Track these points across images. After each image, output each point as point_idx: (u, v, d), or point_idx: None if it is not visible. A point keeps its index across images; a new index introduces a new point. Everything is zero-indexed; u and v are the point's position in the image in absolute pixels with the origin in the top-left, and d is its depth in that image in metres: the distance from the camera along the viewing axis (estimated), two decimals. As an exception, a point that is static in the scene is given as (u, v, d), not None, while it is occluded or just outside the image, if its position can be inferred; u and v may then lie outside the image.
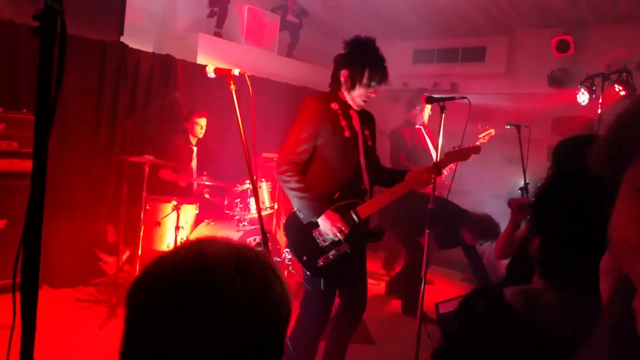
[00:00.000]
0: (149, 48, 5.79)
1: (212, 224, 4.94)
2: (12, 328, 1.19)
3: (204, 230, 4.87)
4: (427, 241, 3.47)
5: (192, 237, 4.76)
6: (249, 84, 2.43)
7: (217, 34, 6.72)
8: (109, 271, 4.99)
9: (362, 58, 2.95)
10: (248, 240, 4.63)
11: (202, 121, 5.29)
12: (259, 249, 2.42)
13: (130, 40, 5.40)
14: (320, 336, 3.01)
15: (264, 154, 6.15)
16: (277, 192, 5.35)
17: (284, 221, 3.01)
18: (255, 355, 0.85)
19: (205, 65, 2.66)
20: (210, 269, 0.85)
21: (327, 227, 2.80)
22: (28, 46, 4.57)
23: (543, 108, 6.37)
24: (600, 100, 5.30)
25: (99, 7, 5.02)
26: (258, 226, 2.59)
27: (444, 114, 3.35)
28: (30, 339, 1.16)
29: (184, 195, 5.11)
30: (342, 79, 2.95)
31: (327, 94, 3.01)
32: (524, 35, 7.19)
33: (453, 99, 3.50)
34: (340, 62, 3.00)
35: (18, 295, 1.16)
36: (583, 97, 5.52)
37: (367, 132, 3.05)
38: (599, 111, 5.27)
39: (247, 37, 6.92)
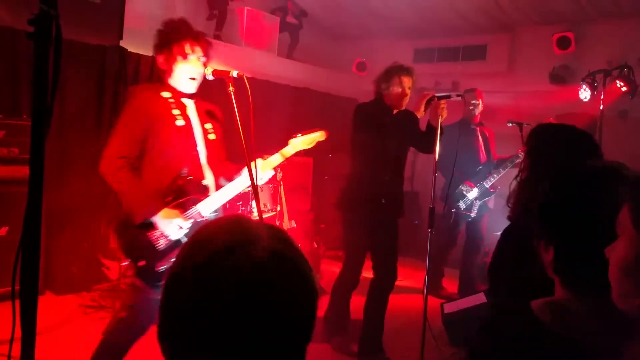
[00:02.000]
0: (148, 52, 5.77)
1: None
2: (12, 336, 1.17)
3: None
4: (429, 240, 3.46)
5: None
6: (248, 85, 2.41)
7: (217, 37, 6.71)
8: (112, 277, 4.98)
9: (171, 33, 2.71)
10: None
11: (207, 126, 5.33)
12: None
13: (129, 44, 5.39)
14: (133, 342, 2.71)
15: (266, 157, 6.13)
16: (279, 194, 5.33)
17: (114, 223, 2.69)
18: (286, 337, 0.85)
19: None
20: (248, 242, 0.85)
21: (166, 226, 2.56)
22: (28, 52, 4.55)
23: (545, 105, 6.34)
24: (602, 97, 5.28)
25: (98, 12, 5.00)
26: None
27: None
28: (30, 346, 1.15)
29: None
30: (160, 65, 2.74)
31: (157, 84, 2.79)
32: (525, 33, 7.16)
33: (449, 97, 3.52)
34: (154, 51, 2.77)
35: (18, 302, 1.14)
36: (585, 94, 5.49)
37: (207, 124, 2.86)
38: (601, 107, 5.25)
39: (246, 39, 6.91)
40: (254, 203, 4.94)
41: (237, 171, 2.85)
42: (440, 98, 3.55)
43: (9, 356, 1.19)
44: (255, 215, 4.96)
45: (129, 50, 5.35)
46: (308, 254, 5.50)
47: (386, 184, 3.82)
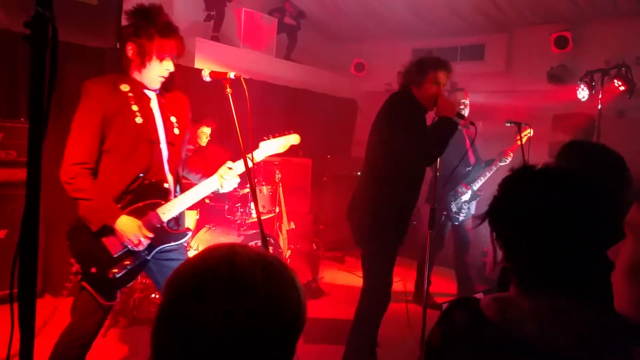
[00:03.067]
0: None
1: (213, 229, 4.92)
2: (10, 339, 1.17)
3: (205, 236, 4.85)
4: (428, 241, 3.45)
5: (194, 243, 4.75)
6: (245, 87, 2.40)
7: (215, 38, 6.71)
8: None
9: (147, 25, 2.48)
10: (249, 244, 4.60)
11: (208, 130, 5.36)
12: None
13: (127, 46, 5.38)
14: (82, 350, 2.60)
15: (265, 158, 6.13)
16: (277, 195, 5.33)
17: (68, 228, 2.54)
18: (269, 353, 0.91)
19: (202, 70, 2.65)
20: (238, 266, 0.94)
21: (126, 234, 2.41)
22: (26, 55, 4.56)
23: (543, 105, 6.35)
24: (600, 96, 5.28)
25: (95, 14, 5.00)
26: (259, 230, 2.51)
27: (474, 134, 3.34)
28: (29, 349, 1.14)
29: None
30: (129, 54, 2.49)
31: (115, 75, 2.56)
32: (523, 33, 7.16)
33: (463, 117, 3.44)
34: (126, 34, 2.51)
35: (16, 305, 1.14)
36: (583, 93, 5.50)
37: (173, 118, 2.65)
38: (599, 107, 5.25)
39: (244, 41, 6.92)
40: (252, 205, 4.95)
41: (206, 169, 2.71)
42: (459, 116, 3.37)
43: (8, 359, 1.19)
44: (254, 216, 4.97)
45: (126, 52, 5.34)
46: (307, 256, 5.47)
47: (417, 193, 3.47)
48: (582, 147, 2.09)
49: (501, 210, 1.22)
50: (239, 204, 4.99)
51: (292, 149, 7.30)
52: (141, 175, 2.49)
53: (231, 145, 5.60)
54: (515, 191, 1.22)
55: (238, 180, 2.74)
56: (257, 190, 5.04)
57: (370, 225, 3.36)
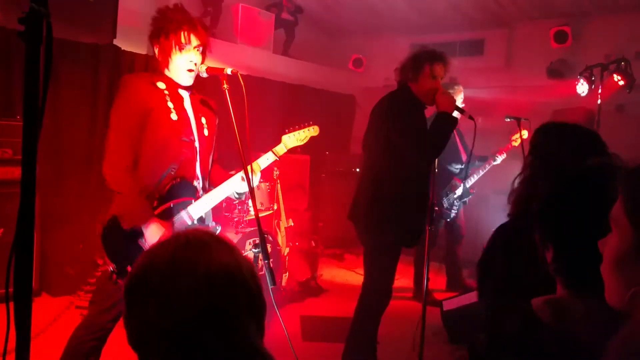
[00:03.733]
0: (142, 50, 5.74)
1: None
2: (6, 338, 1.16)
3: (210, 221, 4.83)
4: (427, 237, 3.43)
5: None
6: (242, 83, 2.37)
7: (212, 34, 6.67)
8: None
9: (164, 23, 2.56)
10: (247, 241, 4.59)
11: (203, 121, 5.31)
12: (257, 250, 2.36)
13: (123, 42, 5.35)
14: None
15: (262, 154, 6.10)
16: (275, 192, 5.31)
17: (101, 226, 2.57)
18: (218, 328, 0.98)
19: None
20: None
21: (152, 239, 2.45)
22: (21, 52, 4.52)
23: (543, 100, 6.33)
24: (599, 91, 5.27)
25: (91, 10, 4.96)
26: (256, 227, 2.49)
27: (475, 131, 3.28)
28: (24, 349, 1.13)
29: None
30: (157, 54, 2.60)
31: (151, 73, 2.65)
32: (522, 27, 7.14)
33: (463, 112, 3.34)
34: (150, 38, 2.60)
35: (11, 304, 1.13)
36: (582, 88, 5.48)
37: (203, 120, 2.72)
38: (599, 101, 5.24)
39: (241, 36, 6.88)
40: (250, 202, 4.92)
41: (227, 175, 2.76)
42: (459, 110, 3.28)
43: (4, 359, 1.18)
44: (252, 213, 4.95)
45: (122, 48, 5.31)
46: (306, 253, 5.45)
47: (425, 191, 3.38)
48: (557, 129, 2.07)
49: (561, 210, 1.19)
50: (237, 201, 4.96)
51: (290, 146, 7.24)
52: (173, 168, 2.55)
53: (227, 141, 5.58)
54: (577, 190, 1.18)
55: (260, 175, 2.84)
56: (255, 187, 5.01)
57: (371, 223, 3.33)
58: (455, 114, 3.25)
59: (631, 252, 0.91)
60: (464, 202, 5.32)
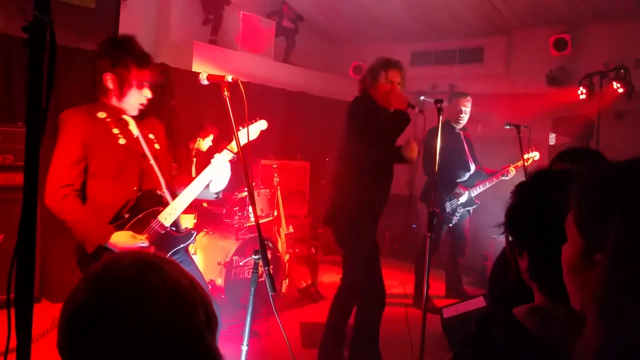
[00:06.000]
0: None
1: (211, 233, 4.90)
2: (7, 345, 1.16)
3: (203, 240, 4.83)
4: (427, 244, 3.43)
5: (192, 247, 4.72)
6: (243, 90, 2.39)
7: (213, 41, 6.70)
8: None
9: (129, 55, 2.54)
10: (247, 248, 4.59)
11: (204, 142, 5.38)
12: (257, 256, 2.36)
13: (125, 49, 5.37)
14: None
15: (263, 161, 6.12)
16: (275, 199, 5.31)
17: (76, 259, 2.57)
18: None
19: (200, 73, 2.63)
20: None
21: (122, 248, 2.44)
22: (22, 59, 4.54)
23: (542, 108, 6.35)
24: (599, 98, 5.28)
25: (93, 18, 4.99)
26: (257, 234, 2.50)
27: (441, 116, 3.31)
28: (26, 355, 1.13)
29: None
30: (108, 84, 2.56)
31: (90, 105, 2.63)
32: (522, 35, 7.17)
33: (413, 107, 3.46)
34: (103, 65, 2.56)
35: (12, 311, 1.13)
36: (582, 96, 5.50)
37: (150, 134, 2.74)
38: (599, 109, 5.25)
39: (242, 44, 6.90)
40: (250, 208, 4.93)
41: (191, 179, 2.74)
42: (410, 106, 3.47)
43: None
44: (252, 220, 4.96)
45: (124, 55, 5.33)
46: (306, 259, 5.45)
47: (386, 192, 3.65)
48: (577, 153, 2.09)
49: (525, 217, 1.20)
50: (237, 208, 4.97)
51: (291, 152, 7.33)
52: (135, 189, 2.56)
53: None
54: (540, 197, 1.20)
55: (229, 166, 2.73)
56: (255, 194, 5.03)
57: (344, 224, 3.55)
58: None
59: (581, 259, 0.93)
60: (468, 211, 5.32)
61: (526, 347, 1.09)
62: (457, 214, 5.18)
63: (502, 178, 5.18)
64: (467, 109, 5.19)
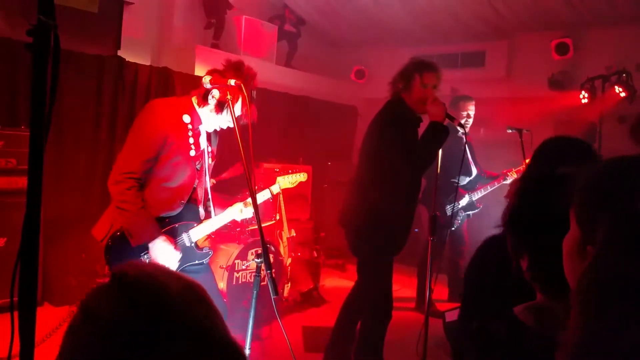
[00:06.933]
0: (146, 61, 5.79)
1: (212, 237, 4.89)
2: (10, 347, 1.16)
3: (205, 244, 4.82)
4: (429, 248, 3.43)
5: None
6: (245, 93, 2.40)
7: (215, 45, 6.71)
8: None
9: (244, 86, 2.57)
10: (250, 252, 4.59)
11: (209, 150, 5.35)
12: (259, 260, 2.36)
13: (127, 54, 5.39)
14: None
15: (265, 165, 6.13)
16: (278, 202, 5.31)
17: (105, 241, 2.60)
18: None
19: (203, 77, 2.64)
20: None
21: (158, 255, 2.53)
22: (26, 63, 4.56)
23: (544, 111, 6.35)
24: (601, 103, 5.29)
25: (96, 22, 5.01)
26: (259, 238, 2.51)
27: (465, 137, 3.31)
28: (29, 358, 1.13)
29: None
30: (212, 94, 2.62)
31: (179, 101, 2.68)
32: (524, 39, 7.17)
33: (453, 119, 3.34)
34: (218, 78, 2.59)
35: (16, 314, 1.13)
36: (584, 100, 5.50)
37: (211, 149, 2.82)
38: (601, 113, 5.25)
39: (244, 48, 6.92)
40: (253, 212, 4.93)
41: (227, 203, 2.91)
42: (450, 118, 3.26)
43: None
44: (254, 224, 4.95)
45: (126, 59, 5.35)
46: (308, 263, 5.44)
47: (413, 207, 3.50)
48: (556, 143, 2.07)
49: (524, 217, 1.21)
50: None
51: (293, 156, 7.31)
52: (183, 199, 2.67)
53: (231, 152, 5.61)
54: (539, 197, 1.21)
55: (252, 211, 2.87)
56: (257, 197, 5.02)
57: (363, 233, 3.37)
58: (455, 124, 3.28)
59: (578, 249, 0.96)
60: (468, 215, 5.31)
61: (525, 343, 1.10)
62: (458, 218, 5.17)
63: (504, 182, 5.17)
64: (472, 112, 5.18)
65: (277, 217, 5.28)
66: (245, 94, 2.44)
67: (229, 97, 2.51)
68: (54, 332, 4.03)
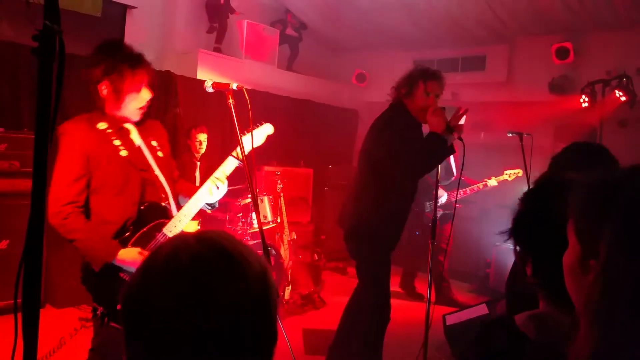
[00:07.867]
0: (149, 65, 5.81)
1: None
2: (14, 349, 1.17)
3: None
4: (430, 251, 3.45)
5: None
6: (247, 97, 2.41)
7: (217, 49, 6.74)
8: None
9: (120, 59, 2.43)
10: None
11: (202, 137, 5.27)
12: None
13: (130, 57, 5.41)
14: None
15: (266, 168, 6.15)
16: (279, 205, 5.33)
17: (80, 273, 2.49)
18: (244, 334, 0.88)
19: (205, 81, 2.65)
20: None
21: (129, 265, 2.36)
22: (29, 66, 4.58)
23: (545, 115, 6.36)
24: (602, 107, 5.30)
25: (99, 26, 5.05)
26: (260, 240, 2.50)
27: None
28: (32, 359, 1.15)
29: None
30: (103, 94, 2.47)
31: (87, 115, 2.53)
32: (524, 43, 7.20)
33: (452, 131, 3.35)
34: (95, 76, 2.48)
35: (19, 315, 1.15)
36: (584, 104, 5.52)
37: (153, 142, 2.64)
38: (601, 117, 5.27)
39: (246, 52, 6.95)
40: (254, 215, 4.95)
41: (195, 188, 2.67)
42: (449, 130, 3.18)
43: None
44: (256, 226, 4.97)
45: (129, 63, 5.37)
46: (309, 266, 5.45)
47: (407, 212, 3.48)
48: (583, 148, 2.09)
49: (528, 225, 1.21)
50: (240, 214, 4.99)
51: (294, 159, 7.32)
52: (136, 203, 2.47)
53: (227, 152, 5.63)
54: (544, 204, 1.21)
55: (226, 184, 2.67)
56: (259, 201, 5.04)
57: (360, 236, 3.39)
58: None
59: (579, 265, 0.94)
60: (452, 216, 5.35)
61: (524, 354, 1.09)
62: (438, 213, 5.28)
63: (481, 187, 5.36)
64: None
65: (278, 220, 5.30)
66: (247, 97, 2.42)
67: (231, 101, 2.48)
68: (72, 336, 4.05)
